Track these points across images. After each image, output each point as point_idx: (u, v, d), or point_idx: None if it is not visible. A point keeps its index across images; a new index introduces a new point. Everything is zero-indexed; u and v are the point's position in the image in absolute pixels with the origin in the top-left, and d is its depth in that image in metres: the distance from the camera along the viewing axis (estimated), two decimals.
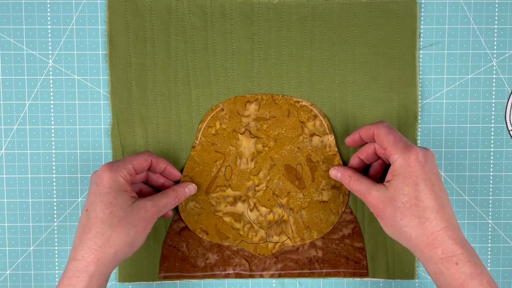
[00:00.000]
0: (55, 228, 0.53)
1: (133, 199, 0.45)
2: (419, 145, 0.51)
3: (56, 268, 0.54)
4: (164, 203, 0.47)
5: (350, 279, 0.54)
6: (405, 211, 0.43)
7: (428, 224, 0.42)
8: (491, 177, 0.54)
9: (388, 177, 0.45)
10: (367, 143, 0.49)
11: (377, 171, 0.50)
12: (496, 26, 0.53)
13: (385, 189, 0.44)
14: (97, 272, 0.43)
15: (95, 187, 0.44)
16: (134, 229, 0.44)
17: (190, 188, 0.51)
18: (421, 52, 0.53)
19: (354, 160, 0.50)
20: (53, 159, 0.53)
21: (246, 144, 0.52)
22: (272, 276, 0.54)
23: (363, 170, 0.51)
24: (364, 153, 0.49)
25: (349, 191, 0.53)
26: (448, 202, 0.43)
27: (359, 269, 0.53)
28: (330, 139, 0.53)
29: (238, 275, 0.53)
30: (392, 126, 0.46)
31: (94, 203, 0.44)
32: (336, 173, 0.50)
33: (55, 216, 0.53)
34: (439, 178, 0.44)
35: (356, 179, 0.47)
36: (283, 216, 0.53)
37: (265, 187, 0.52)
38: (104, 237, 0.43)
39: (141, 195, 0.50)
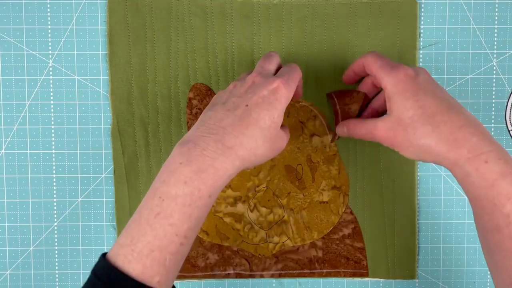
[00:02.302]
0: (55, 228, 0.53)
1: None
2: None
3: (56, 268, 0.54)
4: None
5: (350, 279, 0.54)
6: (414, 124, 0.40)
7: (443, 126, 0.39)
8: None
9: (387, 105, 0.43)
10: (363, 78, 0.48)
11: (381, 103, 0.48)
12: (496, 26, 0.53)
13: (388, 116, 0.42)
14: (237, 168, 0.40)
15: (266, 93, 0.41)
16: (271, 153, 0.42)
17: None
18: (421, 52, 0.53)
19: None
20: (53, 159, 0.53)
21: None
22: (272, 276, 0.54)
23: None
24: (364, 87, 0.48)
25: (349, 191, 0.53)
26: (458, 104, 0.41)
27: (359, 269, 0.53)
28: (330, 139, 0.52)
29: (238, 275, 0.53)
30: (381, 54, 0.44)
31: (259, 106, 0.40)
32: (343, 128, 0.47)
33: (55, 216, 0.53)
34: (438, 86, 0.42)
35: (360, 123, 0.45)
36: (284, 217, 0.53)
37: (265, 188, 0.52)
38: (256, 143, 0.40)
39: None
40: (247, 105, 0.40)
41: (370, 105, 0.49)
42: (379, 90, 0.48)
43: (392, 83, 0.41)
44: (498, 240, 0.38)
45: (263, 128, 0.40)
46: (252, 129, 0.40)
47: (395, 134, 0.41)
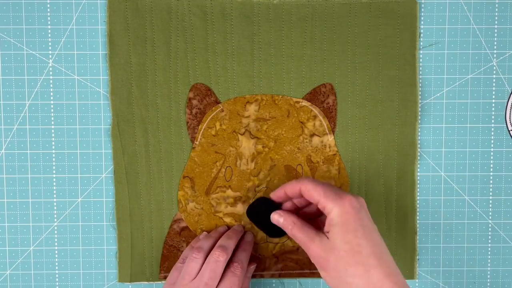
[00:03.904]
0: (55, 228, 0.53)
1: None
2: (351, 193, 0.46)
3: (56, 268, 0.54)
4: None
5: None
6: (349, 260, 0.41)
7: (374, 272, 0.41)
8: (491, 177, 0.54)
9: (326, 227, 0.43)
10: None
11: (312, 212, 0.49)
12: (496, 26, 0.53)
13: (326, 240, 0.43)
14: None
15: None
16: None
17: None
18: (421, 52, 0.53)
19: (288, 204, 0.49)
20: (53, 159, 0.53)
21: (246, 145, 0.52)
22: (272, 276, 0.54)
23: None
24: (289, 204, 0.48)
25: (349, 191, 0.53)
26: (386, 248, 0.43)
27: None
28: (330, 139, 0.53)
29: None
30: (317, 180, 0.45)
31: None
32: (279, 217, 0.47)
33: (55, 216, 0.53)
34: (373, 224, 0.43)
35: (300, 226, 0.45)
36: None
37: (266, 188, 0.52)
38: None
39: None
40: None
41: (303, 211, 0.49)
42: (310, 203, 0.48)
43: (336, 213, 0.42)
44: None
45: None
46: None
47: (327, 260, 0.43)
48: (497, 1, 0.53)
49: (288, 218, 0.46)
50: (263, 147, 0.52)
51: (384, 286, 0.41)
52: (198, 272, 0.47)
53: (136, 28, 0.52)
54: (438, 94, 0.53)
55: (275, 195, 0.48)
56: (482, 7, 0.53)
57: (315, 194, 0.44)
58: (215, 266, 0.46)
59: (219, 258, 0.46)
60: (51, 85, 0.52)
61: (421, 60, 0.53)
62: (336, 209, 0.42)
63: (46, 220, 0.53)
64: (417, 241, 0.54)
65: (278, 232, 0.49)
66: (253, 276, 0.53)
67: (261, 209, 0.50)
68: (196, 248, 0.48)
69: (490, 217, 0.54)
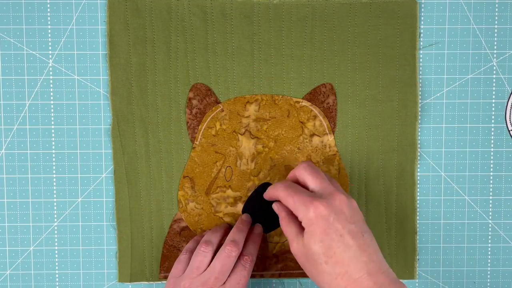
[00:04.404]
0: (55, 228, 0.53)
1: None
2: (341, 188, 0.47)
3: (56, 268, 0.54)
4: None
5: None
6: (318, 268, 0.42)
7: (340, 279, 0.41)
8: (491, 177, 0.54)
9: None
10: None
11: None
12: (496, 26, 0.53)
13: (302, 244, 0.44)
14: None
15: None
16: None
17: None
18: (421, 52, 0.53)
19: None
20: (53, 159, 0.53)
21: (246, 145, 0.52)
22: (272, 276, 0.54)
23: None
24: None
25: (349, 191, 0.53)
26: (364, 245, 0.42)
27: None
28: (330, 139, 0.53)
29: None
30: (309, 167, 0.46)
31: None
32: (277, 208, 0.49)
33: (55, 216, 0.53)
34: (348, 223, 0.43)
35: (286, 223, 0.46)
36: None
37: None
38: None
39: None
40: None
41: None
42: None
43: (305, 222, 0.43)
44: None
45: None
46: None
47: (303, 262, 0.44)
48: (497, 1, 0.53)
49: (281, 212, 0.47)
50: (263, 147, 0.52)
51: None
52: (207, 266, 0.47)
53: (136, 28, 0.52)
54: (438, 94, 0.53)
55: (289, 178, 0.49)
56: (482, 7, 0.53)
57: (289, 197, 0.45)
58: (227, 261, 0.46)
59: (231, 253, 0.46)
60: (51, 85, 0.52)
61: (421, 60, 0.53)
62: (304, 218, 0.43)
63: (46, 220, 0.53)
64: (417, 241, 0.54)
65: (273, 225, 0.52)
66: (253, 276, 0.53)
67: (262, 201, 0.51)
68: (204, 241, 0.48)
69: (490, 217, 0.54)
